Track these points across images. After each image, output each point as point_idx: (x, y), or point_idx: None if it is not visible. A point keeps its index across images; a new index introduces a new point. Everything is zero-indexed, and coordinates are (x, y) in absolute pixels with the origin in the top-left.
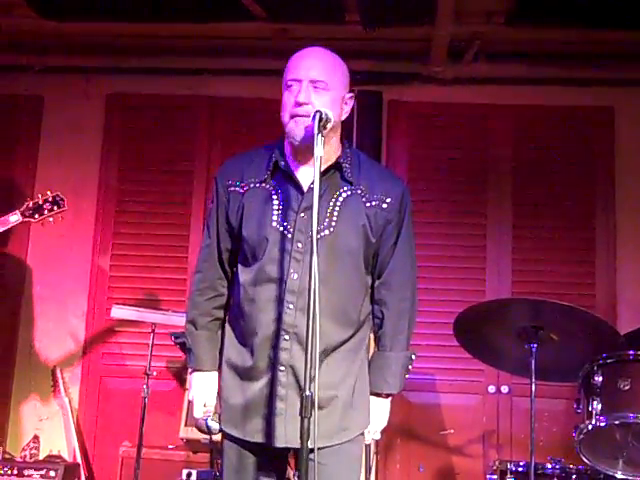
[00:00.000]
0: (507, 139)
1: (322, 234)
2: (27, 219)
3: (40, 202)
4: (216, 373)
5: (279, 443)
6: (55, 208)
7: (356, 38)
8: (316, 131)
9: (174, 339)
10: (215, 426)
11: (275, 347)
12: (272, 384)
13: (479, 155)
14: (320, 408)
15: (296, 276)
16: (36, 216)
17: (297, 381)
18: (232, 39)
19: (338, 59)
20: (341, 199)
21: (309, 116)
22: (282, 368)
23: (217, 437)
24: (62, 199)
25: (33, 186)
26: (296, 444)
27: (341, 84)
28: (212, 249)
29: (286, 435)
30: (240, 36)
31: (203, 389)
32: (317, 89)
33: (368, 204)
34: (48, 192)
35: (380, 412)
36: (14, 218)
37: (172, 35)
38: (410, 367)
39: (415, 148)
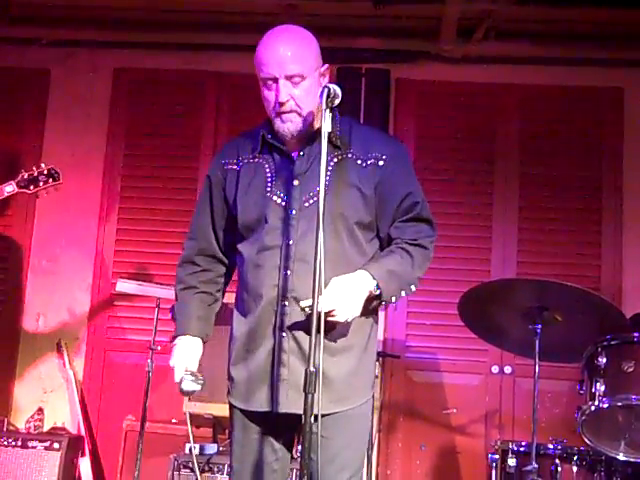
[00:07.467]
0: (515, 119)
1: (312, 200)
2: (22, 190)
3: (35, 174)
4: (200, 340)
5: (281, 409)
6: (50, 181)
7: (365, 15)
8: (324, 106)
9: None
10: (191, 387)
11: (277, 312)
12: (275, 350)
13: (487, 135)
14: (333, 355)
15: (291, 242)
16: (31, 187)
17: (299, 347)
18: (240, 15)
19: (306, 38)
20: (332, 164)
21: (293, 111)
22: (284, 334)
23: (218, 412)
24: (57, 172)
25: (40, 159)
26: (298, 409)
27: (315, 64)
28: (203, 229)
29: (288, 401)
30: (248, 12)
31: (185, 354)
32: (295, 83)
33: (363, 164)
34: (42, 165)
35: (341, 283)
36: (9, 188)
37: (180, 9)
38: (402, 293)
39: (422, 126)
